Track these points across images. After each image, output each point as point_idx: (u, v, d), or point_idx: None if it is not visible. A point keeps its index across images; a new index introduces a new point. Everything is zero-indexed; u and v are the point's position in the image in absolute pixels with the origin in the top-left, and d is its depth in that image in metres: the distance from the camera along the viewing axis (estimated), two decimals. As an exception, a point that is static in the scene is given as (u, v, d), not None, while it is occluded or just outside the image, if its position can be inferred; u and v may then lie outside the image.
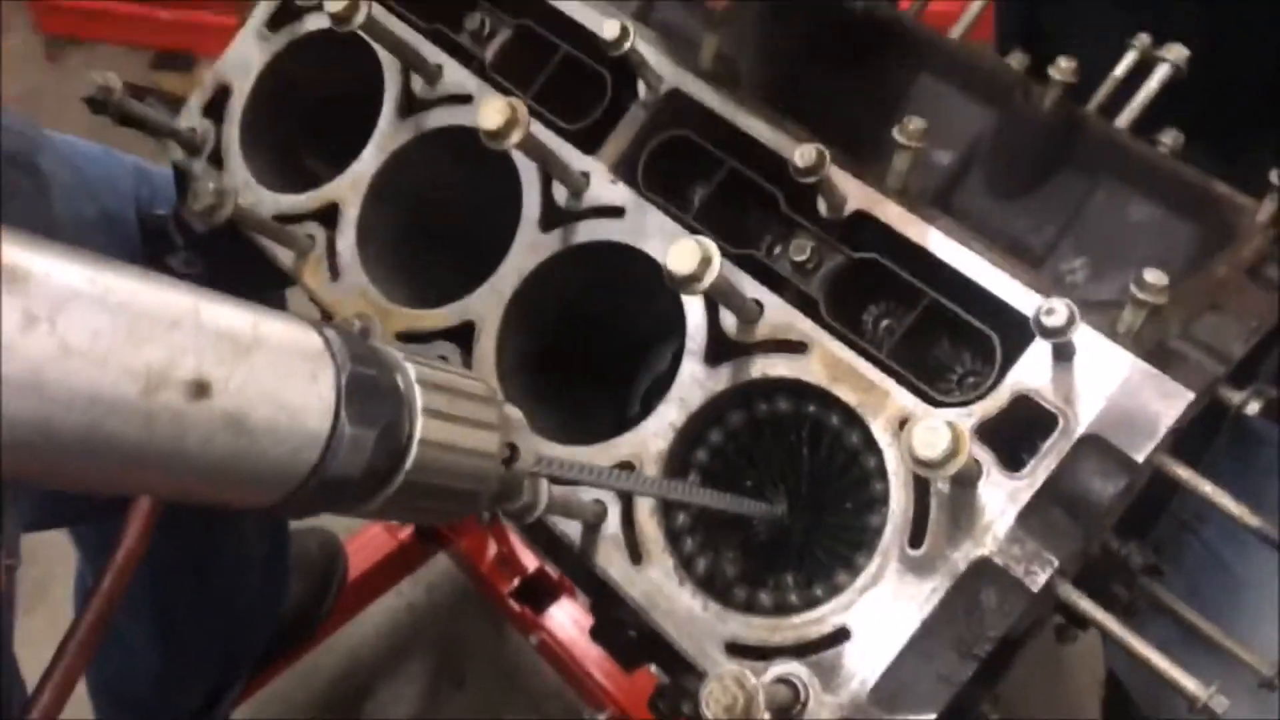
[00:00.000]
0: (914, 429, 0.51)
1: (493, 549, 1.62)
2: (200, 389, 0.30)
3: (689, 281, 0.59)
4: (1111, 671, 1.21)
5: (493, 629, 1.76)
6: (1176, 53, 0.74)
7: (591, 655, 1.49)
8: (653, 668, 0.74)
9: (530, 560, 1.60)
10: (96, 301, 0.28)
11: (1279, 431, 0.85)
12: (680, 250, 0.59)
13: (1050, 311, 0.54)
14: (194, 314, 0.31)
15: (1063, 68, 0.73)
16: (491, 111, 0.64)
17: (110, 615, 0.59)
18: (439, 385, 0.39)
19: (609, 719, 1.45)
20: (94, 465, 0.30)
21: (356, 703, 1.70)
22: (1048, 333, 0.54)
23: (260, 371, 0.32)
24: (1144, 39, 0.76)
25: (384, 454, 0.37)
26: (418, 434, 0.38)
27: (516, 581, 1.59)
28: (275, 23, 0.87)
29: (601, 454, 0.68)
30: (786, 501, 0.67)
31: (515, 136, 0.64)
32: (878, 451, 0.62)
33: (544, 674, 1.65)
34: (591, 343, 0.81)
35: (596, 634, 0.77)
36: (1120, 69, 0.76)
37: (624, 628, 0.71)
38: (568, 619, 1.54)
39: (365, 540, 1.66)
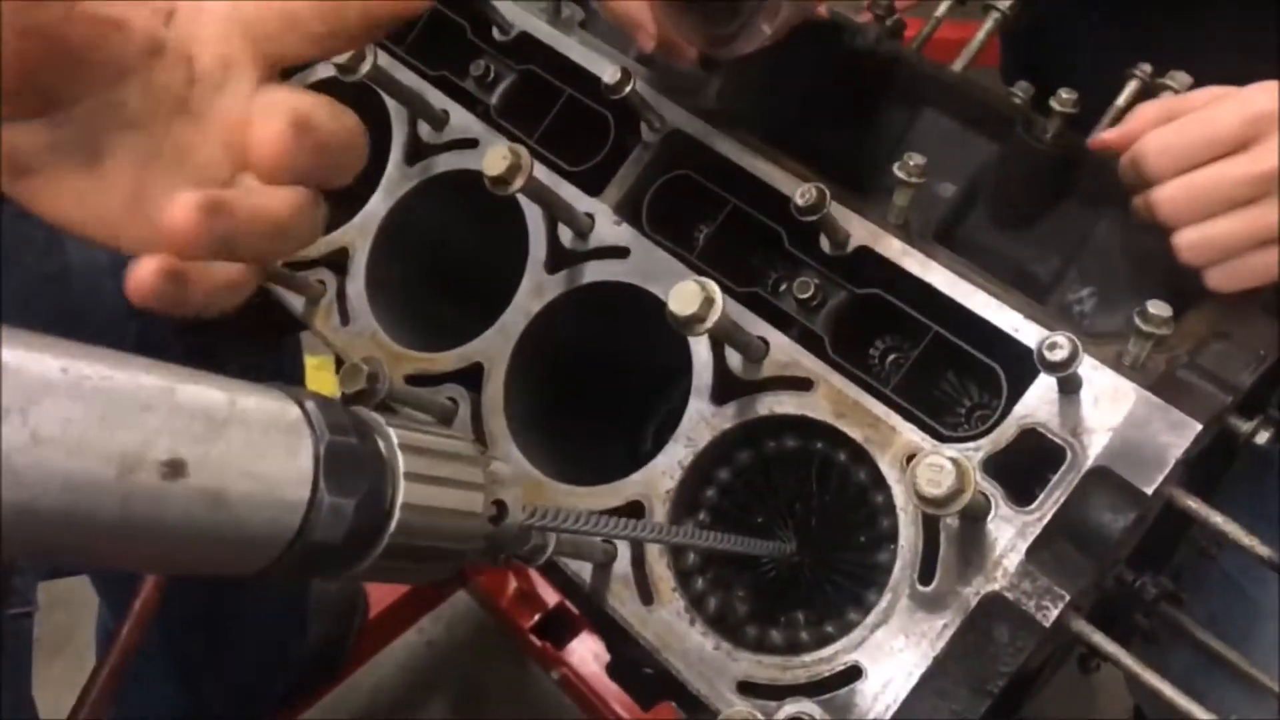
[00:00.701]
0: (918, 467, 0.51)
1: (513, 585, 1.62)
2: (175, 468, 0.31)
3: (692, 323, 0.59)
4: (1137, 705, 1.19)
5: (514, 666, 1.75)
6: (1180, 80, 0.74)
7: (613, 690, 1.48)
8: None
9: (551, 595, 1.60)
10: (69, 391, 0.29)
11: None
12: (682, 292, 0.59)
13: (1054, 346, 0.54)
14: (169, 395, 0.32)
15: (1064, 99, 0.73)
16: (495, 158, 0.65)
17: (128, 664, 0.60)
18: (421, 448, 0.40)
19: (631, 755, 1.44)
20: (77, 543, 0.31)
21: (378, 741, 1.70)
22: (1051, 367, 0.54)
23: (236, 447, 0.33)
24: (1145, 68, 0.76)
25: (366, 519, 0.37)
26: (400, 499, 0.38)
27: (537, 617, 1.58)
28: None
29: (610, 495, 0.68)
30: (796, 539, 0.67)
31: (519, 182, 0.65)
32: (886, 488, 0.62)
33: (566, 710, 1.64)
34: (602, 381, 0.81)
35: (613, 672, 0.77)
36: (1122, 99, 0.76)
37: (639, 666, 0.71)
38: (589, 654, 1.53)
39: (385, 578, 1.66)
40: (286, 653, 1.35)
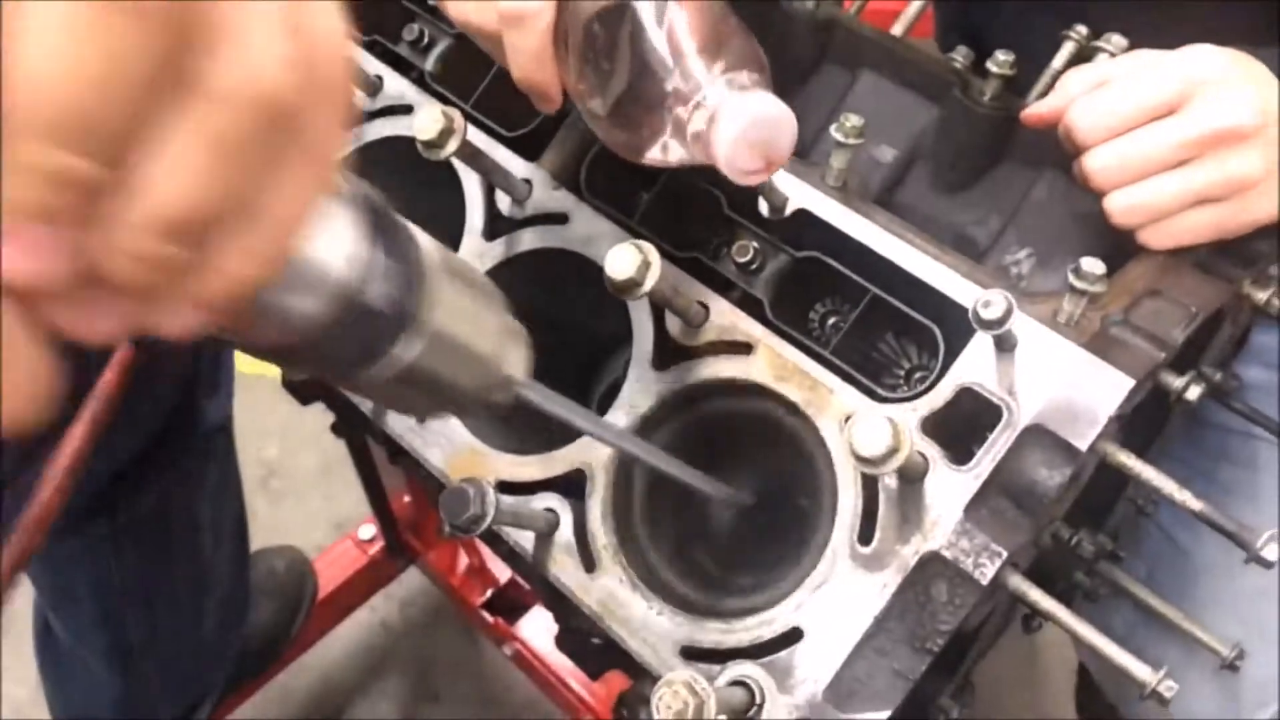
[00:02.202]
0: (854, 426, 0.51)
1: (464, 561, 1.62)
2: None
3: (630, 287, 0.59)
4: (1082, 662, 1.22)
5: (468, 644, 1.75)
6: (1115, 43, 0.74)
7: (566, 664, 1.48)
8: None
9: (502, 571, 1.59)
10: None
11: (1232, 416, 0.85)
12: (619, 255, 0.58)
13: (987, 304, 0.54)
14: None
15: (1000, 60, 0.73)
16: (428, 121, 0.63)
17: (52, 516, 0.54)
18: (448, 258, 0.39)
19: (585, 728, 1.45)
20: None
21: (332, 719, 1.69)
22: (986, 324, 0.55)
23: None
24: (1081, 30, 0.76)
25: (408, 296, 0.35)
26: (436, 289, 0.37)
27: (489, 593, 1.58)
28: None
29: (552, 463, 0.67)
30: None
31: (452, 145, 0.63)
32: (825, 450, 0.62)
33: (521, 686, 1.64)
34: (544, 351, 0.80)
35: (561, 642, 0.77)
36: (1058, 61, 0.77)
37: (586, 636, 0.71)
38: (541, 629, 1.53)
39: (334, 557, 1.64)
40: (230, 633, 1.33)
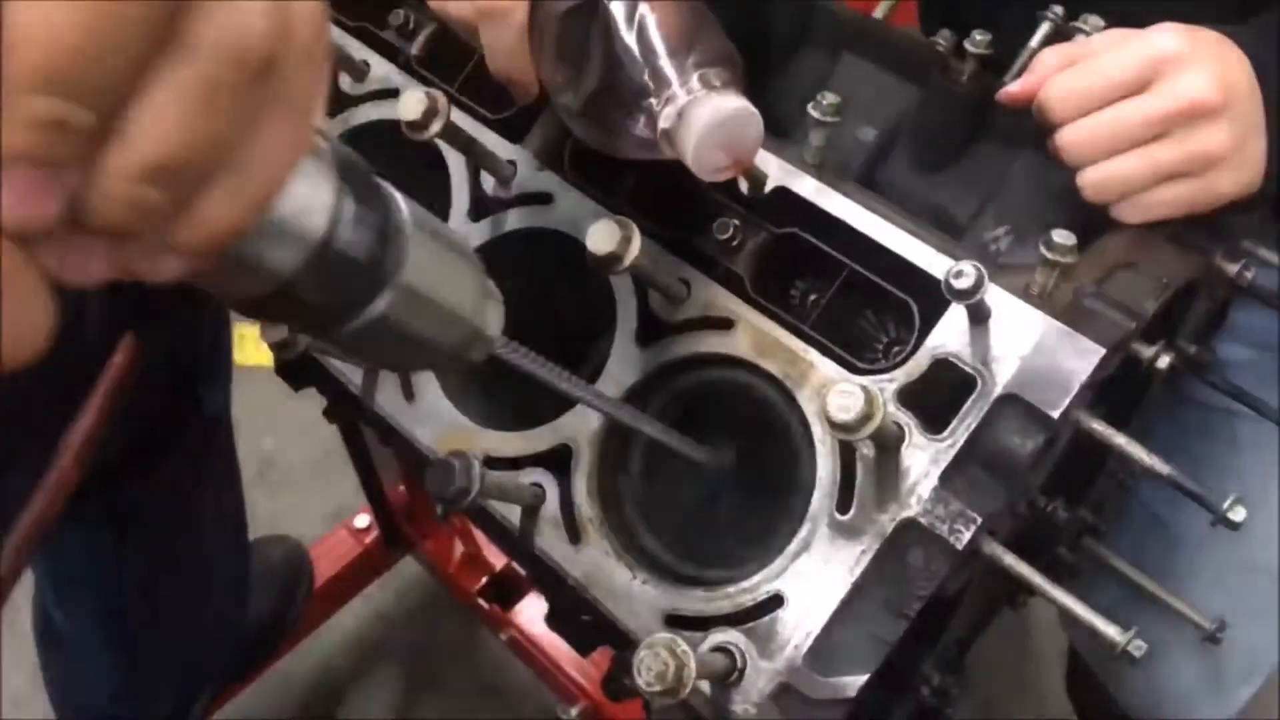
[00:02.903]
0: (829, 394, 0.52)
1: (459, 549, 1.63)
2: None
3: (610, 261, 0.60)
4: (1072, 643, 1.23)
5: (465, 631, 1.76)
6: (1092, 24, 0.76)
7: (562, 650, 1.49)
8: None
9: (498, 558, 1.61)
10: None
11: (1213, 394, 0.87)
12: (600, 231, 0.60)
13: (959, 274, 0.55)
14: None
15: (978, 40, 0.74)
16: (411, 102, 0.64)
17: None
18: (428, 224, 0.39)
19: (581, 712, 1.46)
20: None
21: (329, 708, 1.70)
22: (958, 295, 0.56)
23: None
24: (1058, 10, 0.78)
25: (380, 249, 0.36)
26: (411, 246, 0.37)
27: (484, 580, 1.59)
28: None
29: (539, 439, 0.69)
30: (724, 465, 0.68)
31: (436, 126, 0.65)
32: (805, 421, 0.63)
33: (517, 672, 1.65)
34: (531, 330, 0.81)
35: (551, 620, 0.78)
36: (1035, 40, 0.78)
37: (575, 612, 0.72)
38: (537, 615, 1.54)
39: (329, 546, 1.66)
40: (229, 622, 1.35)
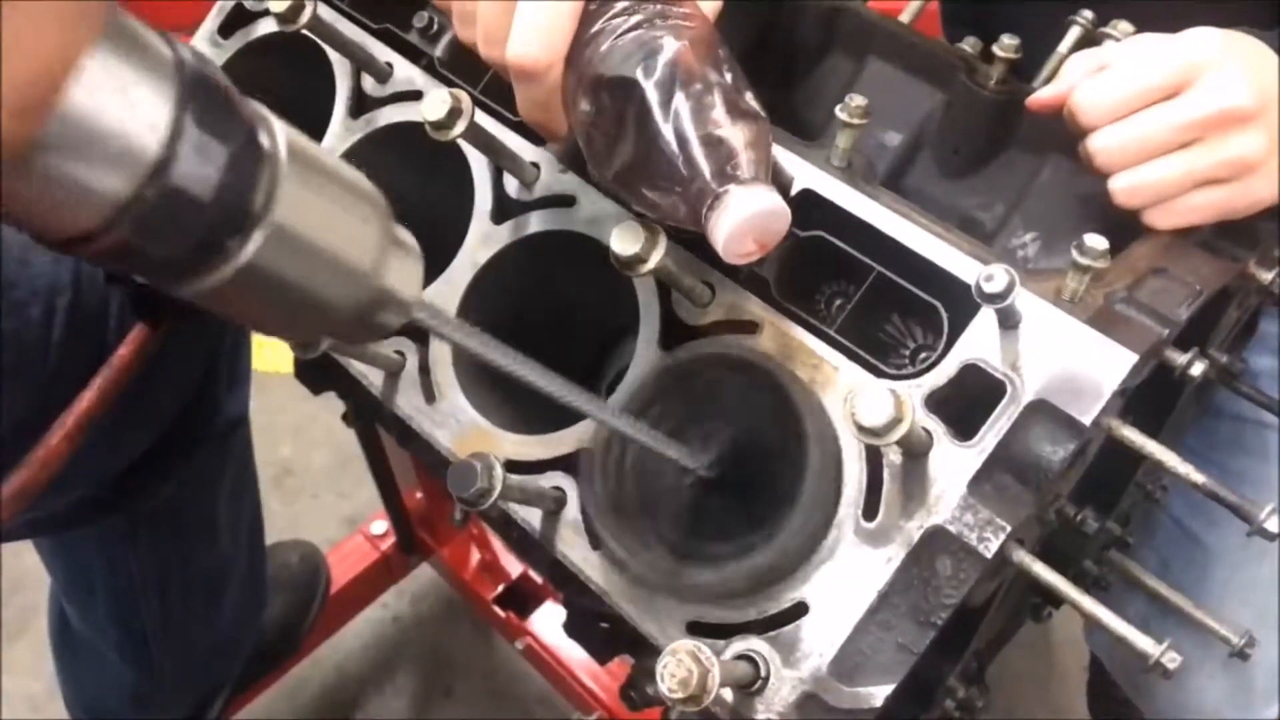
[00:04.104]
0: (856, 399, 0.52)
1: (476, 556, 1.62)
2: None
3: (634, 263, 0.59)
4: (1094, 655, 1.21)
5: (480, 638, 1.76)
6: (1121, 29, 0.75)
7: (577, 658, 1.49)
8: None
9: (514, 566, 1.60)
10: None
11: (1245, 406, 0.85)
12: (625, 232, 0.59)
13: (990, 278, 0.54)
14: None
15: (1006, 44, 0.74)
16: (435, 103, 0.64)
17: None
18: (310, 155, 0.33)
19: (596, 722, 1.45)
20: None
21: (344, 714, 1.70)
22: (989, 299, 0.55)
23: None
24: (1087, 15, 0.77)
25: (236, 186, 0.31)
26: (287, 180, 0.32)
27: (500, 588, 1.59)
28: (227, 29, 0.87)
29: (557, 443, 0.68)
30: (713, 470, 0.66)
31: (459, 126, 0.64)
32: (831, 427, 0.62)
33: (532, 680, 1.65)
34: (553, 333, 0.81)
35: (569, 628, 0.77)
36: (1064, 46, 0.77)
37: (594, 619, 0.71)
38: (553, 623, 1.54)
39: (346, 552, 1.65)
40: (245, 625, 1.34)
